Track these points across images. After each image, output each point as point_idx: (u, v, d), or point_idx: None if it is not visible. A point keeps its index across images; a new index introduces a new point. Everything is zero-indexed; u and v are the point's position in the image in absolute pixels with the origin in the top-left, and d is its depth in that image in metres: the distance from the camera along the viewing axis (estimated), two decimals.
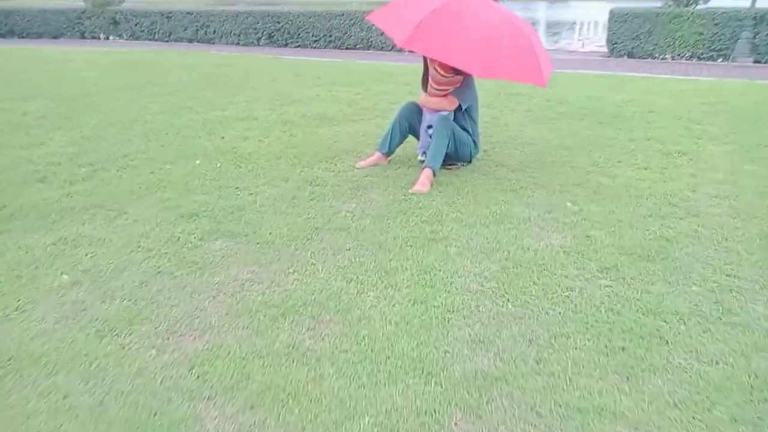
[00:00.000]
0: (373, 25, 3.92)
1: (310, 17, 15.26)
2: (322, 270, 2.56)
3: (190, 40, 16.66)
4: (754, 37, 11.51)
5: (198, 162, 4.15)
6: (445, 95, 3.83)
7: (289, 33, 15.60)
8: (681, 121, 5.42)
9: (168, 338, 2.06)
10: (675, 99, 6.64)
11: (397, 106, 6.21)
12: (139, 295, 2.34)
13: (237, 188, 3.61)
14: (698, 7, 12.29)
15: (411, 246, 2.78)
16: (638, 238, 2.83)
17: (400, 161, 4.20)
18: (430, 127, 3.90)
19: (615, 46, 12.95)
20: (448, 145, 3.74)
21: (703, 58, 12.11)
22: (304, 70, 9.35)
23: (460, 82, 3.79)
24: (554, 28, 25.05)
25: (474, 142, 4.01)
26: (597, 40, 18.23)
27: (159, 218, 3.12)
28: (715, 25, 11.82)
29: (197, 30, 16.57)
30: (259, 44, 15.89)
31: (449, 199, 3.40)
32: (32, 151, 4.36)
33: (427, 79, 4.03)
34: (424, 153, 4.01)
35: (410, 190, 3.53)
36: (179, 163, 4.11)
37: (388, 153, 4.11)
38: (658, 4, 13.18)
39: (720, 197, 3.41)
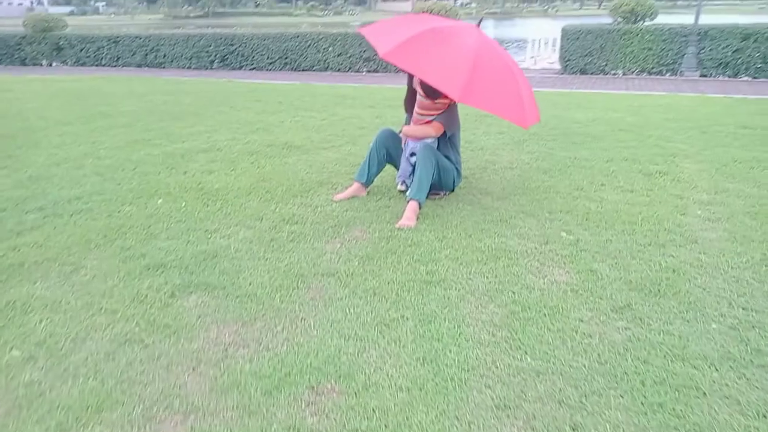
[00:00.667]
0: (364, 39, 3.73)
1: (265, 39, 15.01)
2: (314, 326, 2.30)
3: (139, 65, 16.10)
4: (699, 52, 11.97)
5: (160, 201, 3.82)
6: (429, 122, 3.65)
7: (243, 55, 15.28)
8: (651, 138, 5.44)
9: (145, 426, 1.76)
10: (639, 116, 6.72)
11: (365, 131, 6.08)
12: (106, 372, 2.02)
13: (207, 231, 3.31)
14: (646, 23, 12.69)
15: (408, 291, 2.56)
16: (644, 271, 2.70)
17: (378, 191, 3.99)
18: (413, 155, 3.71)
19: (568, 63, 13.23)
20: (433, 174, 3.56)
21: (653, 73, 12.50)
22: (265, 95, 9.07)
23: (446, 107, 3.63)
24: (504, 45, 25.62)
25: (457, 169, 3.84)
26: (547, 57, 18.69)
27: (121, 271, 2.78)
28: (663, 41, 12.24)
29: (146, 54, 16.03)
30: (212, 67, 15.50)
31: (439, 234, 3.20)
32: None
33: (410, 102, 3.85)
34: (404, 182, 3.82)
35: (396, 225, 3.32)
36: (139, 204, 3.77)
37: (367, 183, 3.90)
38: (607, 21, 13.56)
39: (712, 220, 3.35)
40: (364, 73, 14.21)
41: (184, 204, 3.75)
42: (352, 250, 3.01)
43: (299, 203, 3.79)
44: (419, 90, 3.64)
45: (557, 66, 14.86)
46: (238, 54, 15.30)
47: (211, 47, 15.43)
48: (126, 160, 4.87)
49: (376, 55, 14.14)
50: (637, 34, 12.38)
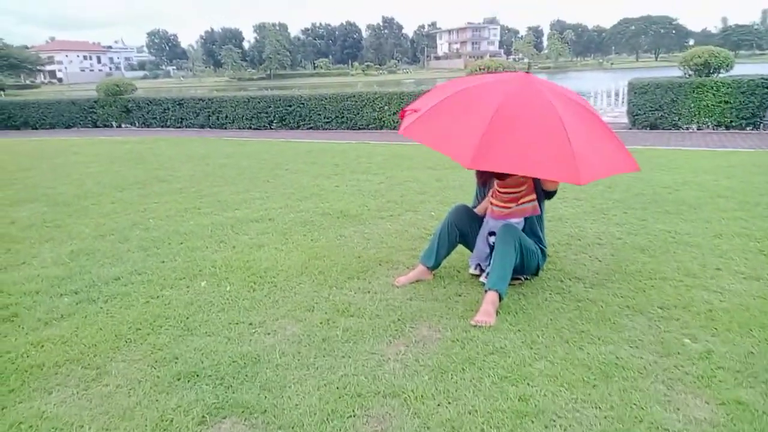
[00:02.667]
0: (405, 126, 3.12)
1: (322, 100, 15.13)
2: None
3: (202, 126, 16.55)
4: None
5: (204, 284, 3.43)
6: (516, 199, 3.12)
7: (300, 116, 15.43)
8: (760, 207, 4.69)
9: None
10: (735, 178, 5.95)
11: (426, 197, 5.63)
12: None
13: (251, 324, 2.86)
14: (721, 75, 11.89)
15: (497, 428, 1.97)
16: None
17: (447, 274, 3.46)
18: (492, 234, 3.18)
19: (637, 117, 12.50)
20: (516, 259, 3.00)
21: (731, 127, 11.58)
22: (320, 156, 8.85)
23: (530, 187, 3.11)
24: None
25: (542, 250, 3.28)
26: (610, 111, 17.97)
27: (148, 381, 2.35)
28: (742, 93, 11.37)
29: (209, 116, 16.49)
30: (271, 127, 15.72)
31: (527, 337, 2.61)
32: (8, 275, 3.68)
33: (480, 172, 3.34)
34: (479, 266, 3.27)
35: (472, 322, 2.76)
36: (180, 287, 3.39)
37: (434, 267, 3.38)
38: (675, 73, 12.83)
39: None
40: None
41: (228, 288, 3.34)
42: (420, 358, 2.47)
43: (356, 288, 3.30)
44: (495, 184, 3.17)
45: (623, 120, 14.15)
46: (295, 114, 15.47)
47: (270, 108, 15.70)
48: (174, 231, 4.58)
49: None
50: (712, 87, 11.58)
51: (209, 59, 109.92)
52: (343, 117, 14.94)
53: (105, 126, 17.58)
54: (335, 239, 4.27)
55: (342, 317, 2.90)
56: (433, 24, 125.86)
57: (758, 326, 2.62)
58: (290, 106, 15.51)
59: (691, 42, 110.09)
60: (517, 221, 3.12)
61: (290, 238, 4.34)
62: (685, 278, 3.26)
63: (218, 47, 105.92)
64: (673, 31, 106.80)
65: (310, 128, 15.32)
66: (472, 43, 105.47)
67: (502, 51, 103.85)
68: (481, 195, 3.51)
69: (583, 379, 2.25)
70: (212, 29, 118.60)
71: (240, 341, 2.68)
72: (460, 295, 3.14)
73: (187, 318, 2.96)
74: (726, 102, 11.54)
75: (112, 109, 17.43)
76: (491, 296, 2.88)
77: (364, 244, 4.12)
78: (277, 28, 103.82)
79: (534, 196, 3.14)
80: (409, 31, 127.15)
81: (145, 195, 6.06)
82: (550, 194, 3.23)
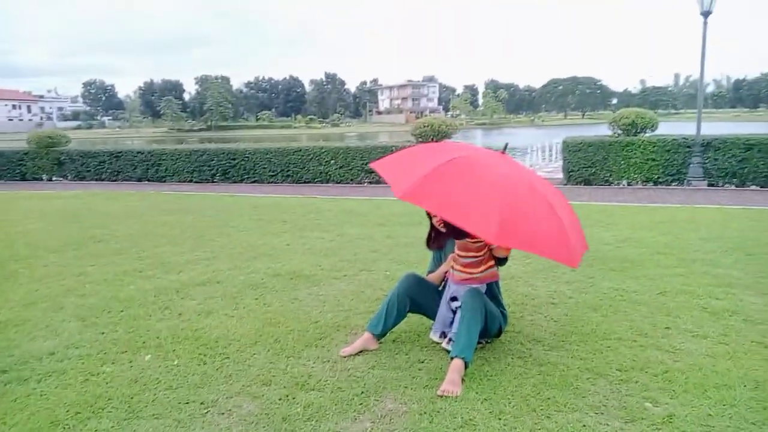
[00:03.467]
0: (375, 171, 3.13)
1: (267, 153, 15.07)
2: None
3: (140, 179, 16.04)
4: (705, 162, 11.95)
5: (148, 357, 3.20)
6: (475, 264, 3.13)
7: (244, 169, 15.27)
8: (697, 264, 4.95)
9: None
10: (670, 234, 6.30)
11: (379, 255, 5.60)
12: None
13: (203, 404, 2.67)
14: (647, 134, 12.79)
15: None
16: None
17: (407, 339, 3.40)
18: (454, 299, 3.16)
19: (571, 174, 13.16)
20: (481, 325, 2.98)
21: (659, 183, 12.39)
22: (268, 212, 8.71)
23: (489, 252, 3.14)
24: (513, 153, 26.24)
25: (503, 313, 3.28)
26: (545, 166, 18.89)
27: None
28: (667, 151, 12.25)
29: (147, 169, 16.02)
30: (213, 181, 15.44)
31: (494, 407, 2.56)
32: None
33: (434, 238, 3.35)
34: (444, 334, 3.22)
35: (438, 392, 2.69)
36: (123, 362, 3.14)
37: (380, 336, 3.29)
38: (604, 132, 13.69)
39: None
40: (365, 185, 14.10)
41: (176, 362, 3.13)
42: None
43: (315, 357, 3.17)
44: (442, 229, 3.17)
45: (558, 175, 14.86)
46: (239, 167, 15.29)
47: (213, 161, 15.46)
48: (113, 298, 4.29)
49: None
50: (640, 146, 12.42)
51: (147, 110, 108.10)
52: (288, 171, 14.90)
53: (35, 179, 16.71)
54: (289, 303, 4.14)
55: (302, 392, 2.76)
56: (375, 80, 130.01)
57: (712, 387, 2.70)
58: (234, 159, 15.34)
59: (614, 101, 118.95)
60: (480, 285, 3.12)
61: (241, 302, 4.16)
62: (638, 338, 3.34)
63: (157, 98, 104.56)
64: (598, 91, 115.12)
65: (255, 182, 15.16)
66: (413, 100, 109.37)
67: (440, 107, 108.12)
68: (437, 259, 3.51)
69: None
70: (152, 80, 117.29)
71: (191, 424, 2.49)
72: (422, 362, 3.07)
73: (132, 398, 2.72)
74: (653, 159, 12.38)
75: (43, 162, 16.65)
76: (457, 364, 2.83)
77: (320, 308, 4.00)
78: (219, 80, 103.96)
79: (494, 262, 3.17)
80: (351, 86, 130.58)
81: (81, 257, 5.70)
82: (501, 261, 3.25)
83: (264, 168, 15.10)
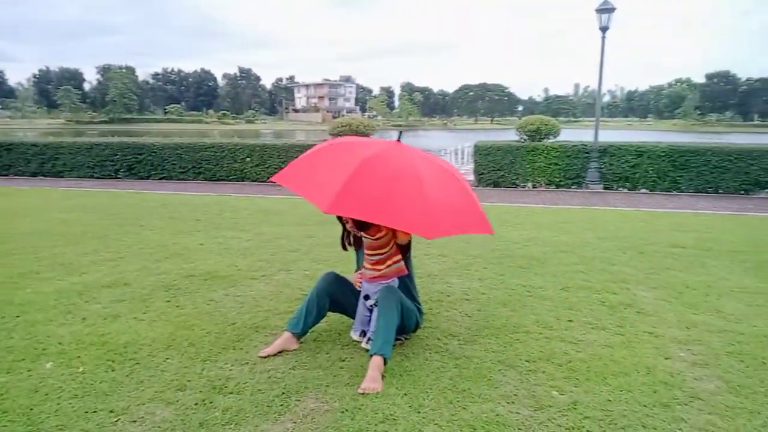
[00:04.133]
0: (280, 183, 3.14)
1: (177, 149, 14.43)
2: None
3: (34, 174, 14.81)
4: (601, 167, 12.92)
5: (50, 365, 2.98)
6: (382, 261, 3.21)
7: (152, 165, 14.53)
8: (595, 261, 5.35)
9: None
10: (571, 234, 6.76)
11: (299, 254, 5.55)
12: None
13: (112, 412, 2.53)
14: (550, 140, 13.61)
15: None
16: None
17: (327, 338, 3.41)
18: (367, 297, 3.22)
19: (482, 176, 13.74)
20: (398, 321, 3.06)
21: (561, 186, 13.24)
22: (179, 211, 8.34)
23: (391, 239, 3.21)
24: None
25: (419, 308, 3.39)
26: (457, 168, 19.58)
27: None
28: (568, 156, 13.12)
29: (43, 163, 14.82)
30: (117, 177, 14.56)
31: (414, 401, 2.64)
32: None
33: (348, 239, 3.40)
34: (364, 333, 3.27)
35: (359, 390, 2.73)
36: (21, 371, 2.91)
37: (300, 335, 3.28)
38: (515, 138, 14.40)
39: (699, 364, 3.08)
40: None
41: (81, 369, 2.94)
42: None
43: (233, 359, 3.10)
44: (351, 227, 3.21)
45: (470, 177, 15.44)
46: (146, 163, 14.54)
47: (117, 156, 14.59)
48: (7, 302, 3.94)
49: (284, 163, 13.97)
50: (544, 151, 13.21)
51: (42, 100, 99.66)
52: (200, 167, 14.36)
53: None
54: (204, 305, 4.00)
55: (220, 395, 2.69)
56: (291, 78, 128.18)
57: (611, 374, 2.94)
58: (141, 153, 14.56)
59: (520, 108, 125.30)
60: (389, 282, 3.19)
61: (152, 305, 3.97)
62: (544, 330, 3.57)
63: (54, 87, 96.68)
64: (506, 98, 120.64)
65: (163, 178, 14.48)
66: (329, 99, 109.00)
67: (357, 108, 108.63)
68: (361, 259, 3.55)
69: None
70: (48, 68, 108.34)
71: None
72: (343, 360, 3.10)
73: (32, 409, 2.53)
74: (555, 164, 13.20)
75: None
76: (377, 361, 2.88)
77: (237, 309, 3.91)
78: (124, 70, 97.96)
79: (400, 257, 3.25)
80: (267, 82, 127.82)
81: None
82: (403, 248, 3.30)
83: (174, 164, 14.45)
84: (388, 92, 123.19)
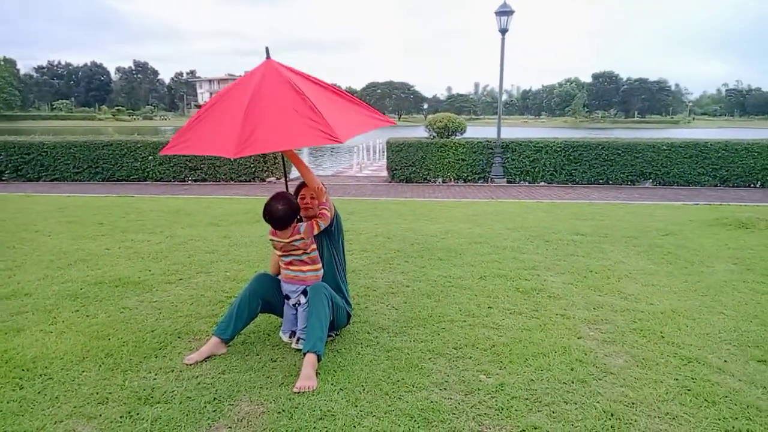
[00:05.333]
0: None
1: (71, 147, 13.39)
2: None
3: None
4: (504, 162, 13.60)
5: None
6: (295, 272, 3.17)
7: (42, 165, 13.38)
8: (507, 251, 5.65)
9: None
10: (483, 226, 7.08)
11: (217, 256, 5.37)
12: None
13: None
14: (458, 137, 14.12)
15: None
16: (585, 419, 2.48)
17: (256, 339, 3.35)
18: (288, 297, 3.19)
19: (395, 172, 13.99)
20: (329, 316, 3.06)
21: (468, 181, 13.80)
22: (78, 214, 7.75)
23: (313, 258, 3.18)
24: (324, 153, 27.15)
25: (348, 301, 3.41)
26: (370, 164, 19.77)
27: None
28: (474, 152, 13.68)
29: None
30: (1, 179, 13.23)
31: (350, 395, 2.67)
32: None
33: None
34: (293, 333, 3.23)
35: (295, 389, 2.71)
36: None
37: (229, 339, 3.20)
38: (425, 135, 14.78)
39: (608, 342, 3.36)
40: (190, 183, 13.33)
41: None
42: None
43: (156, 368, 2.96)
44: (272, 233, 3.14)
45: (383, 173, 15.67)
46: (35, 163, 13.34)
47: (2, 156, 13.26)
48: None
49: (203, 163, 13.39)
50: (452, 147, 13.68)
51: None
52: (97, 167, 13.43)
53: None
54: (118, 313, 3.77)
55: (146, 406, 2.56)
56: (192, 72, 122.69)
57: (531, 356, 3.14)
58: (28, 153, 13.36)
59: (425, 106, 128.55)
60: (320, 271, 3.19)
61: (59, 316, 3.68)
62: (467, 318, 3.73)
63: None
64: (411, 96, 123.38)
65: (56, 179, 13.39)
66: None
67: None
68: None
69: (409, 429, 2.39)
70: None
71: None
72: (275, 361, 3.06)
73: None
74: (463, 159, 13.71)
75: None
76: (310, 359, 2.87)
77: (155, 315, 3.73)
78: (2, 62, 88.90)
79: (319, 266, 3.20)
80: (165, 77, 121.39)
81: None
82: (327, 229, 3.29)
83: (67, 164, 13.39)
84: None
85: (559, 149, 13.35)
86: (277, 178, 13.74)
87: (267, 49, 3.06)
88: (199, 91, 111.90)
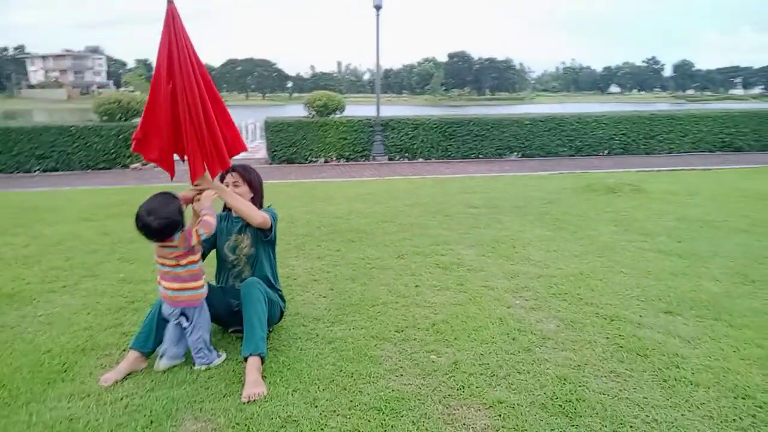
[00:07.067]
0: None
1: None
2: None
3: None
4: (384, 139, 13.76)
5: None
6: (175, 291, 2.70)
7: None
8: (414, 228, 5.70)
9: None
10: (381, 203, 7.08)
11: (101, 255, 4.74)
12: None
13: None
14: (338, 115, 13.97)
15: None
16: (545, 387, 2.55)
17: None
18: (183, 315, 2.72)
19: (275, 153, 13.50)
20: (266, 313, 2.81)
21: (350, 159, 13.76)
22: None
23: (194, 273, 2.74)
24: None
25: (280, 295, 3.18)
26: (248, 144, 18.89)
27: None
28: (355, 131, 13.65)
29: None
30: None
31: (306, 396, 2.48)
32: None
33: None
34: (168, 356, 2.75)
35: (244, 398, 2.45)
36: None
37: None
38: (303, 113, 14.40)
39: (534, 309, 3.50)
40: (38, 174, 11.70)
41: None
42: None
43: (68, 394, 2.51)
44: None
45: (259, 154, 15.05)
46: None
47: None
48: None
49: (53, 150, 11.79)
50: (333, 126, 13.51)
51: None
52: None
53: None
54: None
55: None
56: (21, 48, 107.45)
57: (472, 330, 3.17)
58: None
59: (290, 84, 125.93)
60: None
61: None
62: (399, 299, 3.68)
63: None
64: (275, 74, 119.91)
65: None
66: (75, 73, 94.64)
67: (111, 83, 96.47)
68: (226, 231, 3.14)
69: (380, 423, 2.27)
70: None
71: None
72: (209, 369, 2.75)
73: None
74: (344, 138, 13.62)
75: None
76: (254, 362, 2.62)
77: (46, 332, 3.17)
78: None
79: (194, 284, 2.70)
80: None
81: None
82: (265, 231, 3.03)
83: None
84: (146, 65, 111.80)
85: (435, 126, 13.78)
86: (143, 164, 12.56)
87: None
88: (30, 68, 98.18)
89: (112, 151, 12.22)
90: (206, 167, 2.68)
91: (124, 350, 2.92)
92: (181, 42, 2.53)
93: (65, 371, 2.72)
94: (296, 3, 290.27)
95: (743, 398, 2.42)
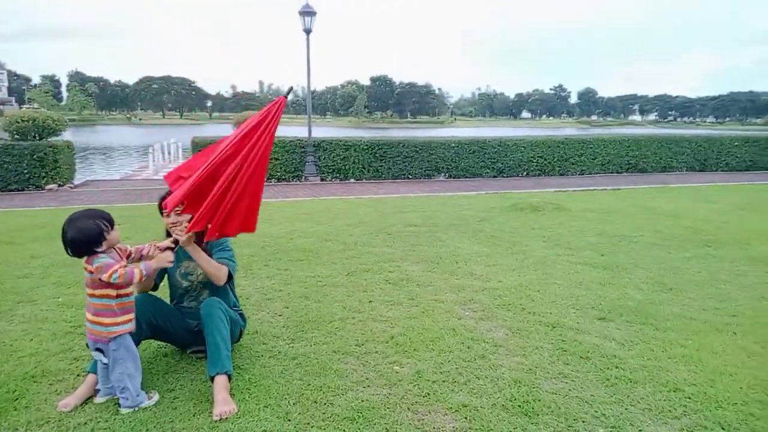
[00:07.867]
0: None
1: None
2: None
3: None
4: (316, 160, 13.84)
5: None
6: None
7: None
8: (359, 246, 5.82)
9: None
10: (322, 224, 7.15)
11: (33, 280, 4.57)
12: None
13: None
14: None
15: None
16: (503, 390, 2.74)
17: (151, 370, 2.92)
18: (98, 350, 2.53)
19: None
20: (228, 331, 2.82)
21: (283, 180, 13.71)
22: None
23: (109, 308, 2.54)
24: (94, 153, 24.39)
25: (240, 314, 3.19)
26: (166, 165, 18.28)
27: None
28: (287, 151, 13.64)
29: None
30: None
31: (278, 411, 2.52)
32: None
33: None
34: (101, 392, 2.61)
35: (215, 417, 2.45)
36: None
37: None
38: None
39: (483, 319, 3.73)
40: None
41: None
42: None
43: (25, 423, 2.40)
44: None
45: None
46: None
47: None
48: None
49: None
50: None
51: None
52: None
53: None
54: None
55: None
56: None
57: (429, 341, 3.33)
58: None
59: (209, 103, 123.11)
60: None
61: None
62: (355, 314, 3.78)
63: None
64: (193, 93, 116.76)
65: None
66: None
67: (13, 99, 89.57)
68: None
69: (356, 431, 2.36)
70: None
71: None
72: (173, 390, 2.72)
73: None
74: (276, 159, 13.55)
75: None
76: (222, 381, 2.62)
77: None
78: None
79: (108, 320, 2.49)
80: None
81: None
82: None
83: None
84: (52, 81, 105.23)
85: (366, 147, 14.04)
86: (59, 185, 11.85)
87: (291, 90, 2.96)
88: None
89: (26, 171, 11.44)
90: (206, 228, 2.64)
91: (78, 375, 2.82)
92: (272, 126, 2.63)
93: (16, 399, 2.59)
94: (214, 22, 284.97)
95: (674, 391, 2.74)
